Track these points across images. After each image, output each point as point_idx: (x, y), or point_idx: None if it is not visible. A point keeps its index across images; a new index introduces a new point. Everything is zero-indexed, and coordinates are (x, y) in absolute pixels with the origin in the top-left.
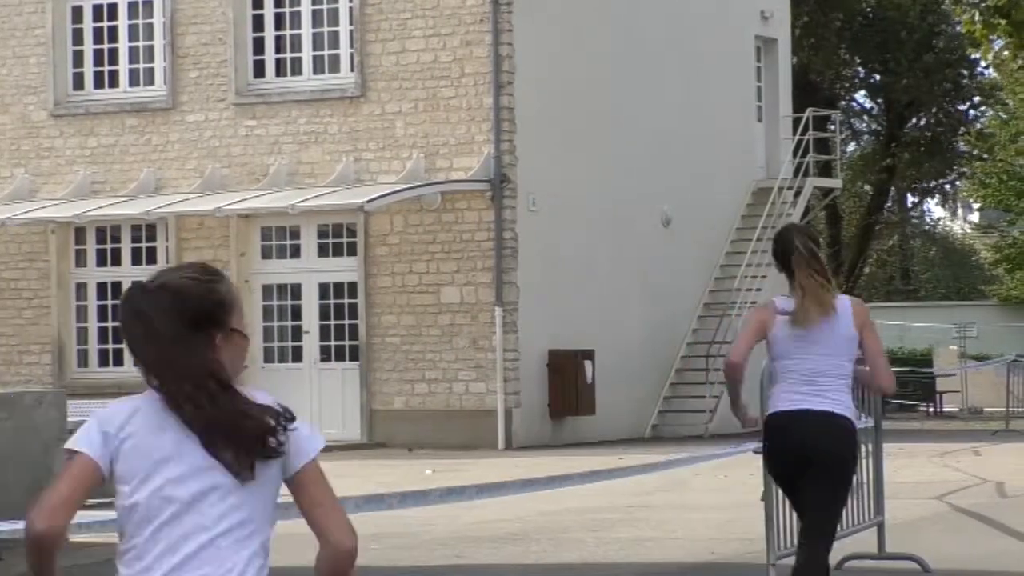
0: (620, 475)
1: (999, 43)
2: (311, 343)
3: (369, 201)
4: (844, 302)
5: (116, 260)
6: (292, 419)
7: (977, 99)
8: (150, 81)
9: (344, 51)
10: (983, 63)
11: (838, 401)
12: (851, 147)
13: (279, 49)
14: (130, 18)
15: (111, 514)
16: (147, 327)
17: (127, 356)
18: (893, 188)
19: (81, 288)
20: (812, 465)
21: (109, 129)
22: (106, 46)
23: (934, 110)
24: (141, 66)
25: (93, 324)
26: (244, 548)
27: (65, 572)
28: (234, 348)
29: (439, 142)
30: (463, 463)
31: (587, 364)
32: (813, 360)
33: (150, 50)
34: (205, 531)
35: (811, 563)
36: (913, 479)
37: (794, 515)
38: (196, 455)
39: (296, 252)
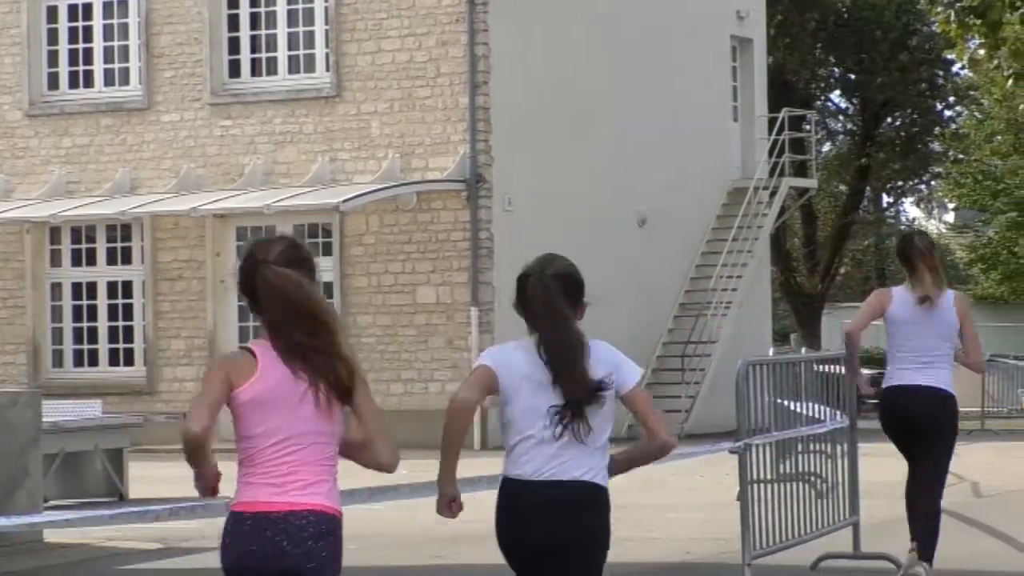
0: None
1: (974, 43)
2: None
3: (345, 201)
4: (949, 293)
5: (91, 260)
6: None
7: (952, 99)
8: (125, 81)
9: (319, 51)
10: (958, 63)
11: (942, 377)
12: (826, 147)
13: (254, 49)
14: (105, 18)
15: (89, 513)
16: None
17: (102, 356)
18: (868, 188)
19: (56, 288)
20: (921, 432)
21: (84, 129)
22: (81, 46)
23: (909, 110)
24: (116, 66)
25: (68, 324)
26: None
27: (43, 572)
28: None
29: (415, 142)
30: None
31: None
32: (924, 340)
33: (125, 50)
34: None
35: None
36: (888, 479)
37: (770, 515)
38: None
39: None
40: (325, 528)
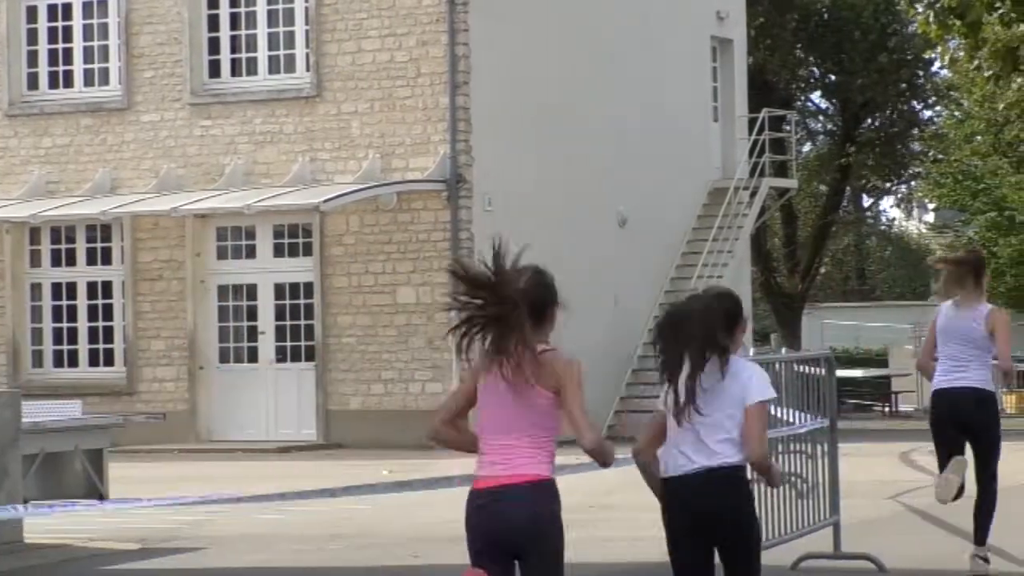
0: (575, 471)
1: (955, 43)
2: (267, 343)
3: (325, 201)
4: (983, 307)
5: (71, 260)
6: None
7: (932, 99)
8: (105, 81)
9: (300, 51)
10: (938, 63)
11: (977, 377)
12: (807, 147)
13: (234, 49)
14: (85, 18)
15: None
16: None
17: (82, 357)
18: (848, 188)
19: (36, 288)
20: (961, 428)
21: (64, 129)
22: (61, 46)
23: (889, 111)
24: (96, 66)
25: (48, 324)
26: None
27: (23, 573)
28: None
29: (395, 142)
30: (420, 463)
31: None
32: (953, 347)
33: (105, 50)
34: None
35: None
36: (869, 479)
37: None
38: None
39: (252, 252)
40: (535, 493)
